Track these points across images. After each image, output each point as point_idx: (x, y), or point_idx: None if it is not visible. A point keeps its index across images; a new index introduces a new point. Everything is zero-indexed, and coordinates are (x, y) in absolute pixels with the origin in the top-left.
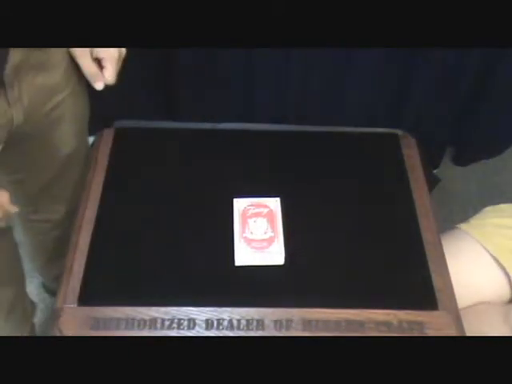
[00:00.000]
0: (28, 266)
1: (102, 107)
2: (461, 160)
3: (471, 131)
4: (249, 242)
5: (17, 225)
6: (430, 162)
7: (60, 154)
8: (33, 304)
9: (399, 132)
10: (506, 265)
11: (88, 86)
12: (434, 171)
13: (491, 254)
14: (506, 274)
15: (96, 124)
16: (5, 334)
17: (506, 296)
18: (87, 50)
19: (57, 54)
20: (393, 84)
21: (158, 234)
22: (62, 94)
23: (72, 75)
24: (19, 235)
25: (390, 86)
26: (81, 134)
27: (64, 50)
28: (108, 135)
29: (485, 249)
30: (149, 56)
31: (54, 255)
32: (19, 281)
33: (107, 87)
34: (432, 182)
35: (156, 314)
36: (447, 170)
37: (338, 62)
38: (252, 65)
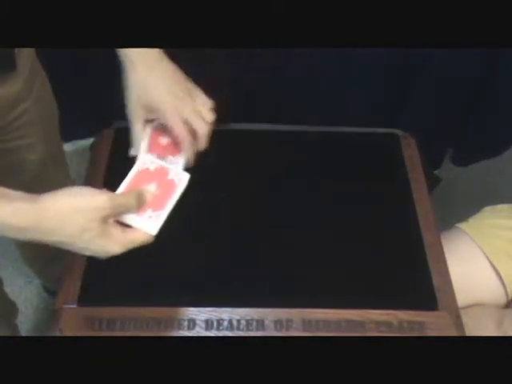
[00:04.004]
0: (27, 269)
1: (101, 107)
2: (461, 160)
3: (471, 131)
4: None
5: None
6: (431, 163)
7: (31, 159)
8: (14, 305)
9: (399, 132)
10: (500, 268)
11: (86, 87)
12: (435, 172)
13: (487, 257)
14: (501, 277)
15: (96, 124)
16: None
17: (501, 299)
18: (178, 115)
19: (19, 61)
20: (393, 84)
21: (158, 234)
22: (26, 103)
23: (35, 81)
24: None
25: (390, 86)
26: (51, 138)
27: (26, 55)
28: (108, 135)
29: (481, 250)
30: None
31: (51, 259)
32: None
33: (105, 88)
34: (432, 182)
35: (156, 315)
36: (447, 170)
37: (338, 62)
38: (252, 65)
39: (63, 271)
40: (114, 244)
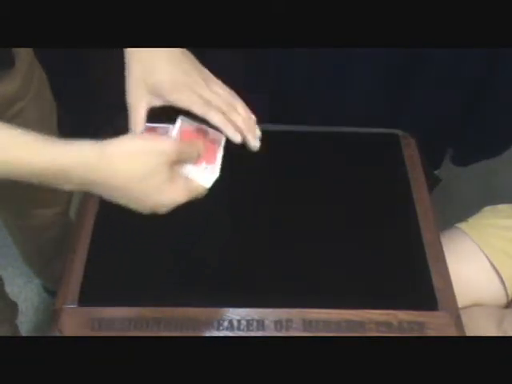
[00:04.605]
0: (27, 269)
1: (101, 107)
2: (461, 160)
3: (471, 131)
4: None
5: (9, 233)
6: (431, 163)
7: None
8: (15, 305)
9: (399, 132)
10: (500, 268)
11: (86, 87)
12: (435, 172)
13: (487, 257)
14: (501, 277)
15: (96, 124)
16: None
17: (501, 300)
18: (195, 94)
19: (17, 59)
20: (393, 84)
21: (158, 234)
22: (23, 102)
23: (32, 79)
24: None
25: (390, 86)
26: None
27: (23, 53)
28: (108, 135)
29: (481, 250)
30: None
31: (51, 259)
32: None
33: (106, 88)
34: (432, 182)
35: (156, 315)
36: (447, 170)
37: (338, 62)
38: (252, 65)
39: (63, 271)
40: (180, 191)
